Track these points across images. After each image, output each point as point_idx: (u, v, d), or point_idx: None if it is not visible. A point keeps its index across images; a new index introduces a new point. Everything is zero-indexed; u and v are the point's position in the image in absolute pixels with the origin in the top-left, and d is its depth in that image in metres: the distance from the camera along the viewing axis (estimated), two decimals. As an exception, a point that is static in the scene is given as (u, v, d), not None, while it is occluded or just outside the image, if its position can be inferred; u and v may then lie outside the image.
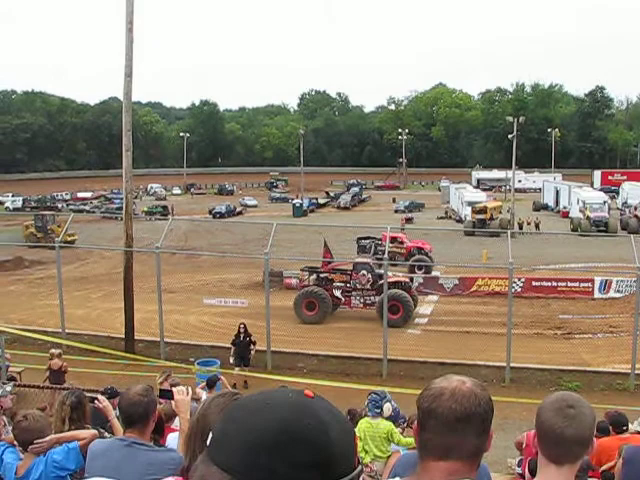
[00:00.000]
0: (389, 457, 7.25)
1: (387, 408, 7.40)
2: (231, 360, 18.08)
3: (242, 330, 18.30)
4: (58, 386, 9.67)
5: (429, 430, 1.93)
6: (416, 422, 2.00)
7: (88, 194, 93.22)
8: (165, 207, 74.24)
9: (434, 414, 1.91)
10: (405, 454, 5.67)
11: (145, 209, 71.33)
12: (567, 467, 2.35)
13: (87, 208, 75.55)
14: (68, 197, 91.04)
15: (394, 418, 7.74)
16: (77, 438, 4.69)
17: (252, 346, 18.40)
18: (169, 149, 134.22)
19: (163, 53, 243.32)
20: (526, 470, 10.46)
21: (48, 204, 77.28)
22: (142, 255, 26.27)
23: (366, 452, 7.48)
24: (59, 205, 78.07)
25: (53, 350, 14.95)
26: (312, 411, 1.26)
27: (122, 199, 23.39)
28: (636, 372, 18.08)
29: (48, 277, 29.91)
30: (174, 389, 4.25)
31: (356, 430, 7.82)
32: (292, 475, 1.18)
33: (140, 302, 21.54)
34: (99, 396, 5.62)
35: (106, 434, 5.42)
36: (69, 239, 32.65)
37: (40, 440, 4.63)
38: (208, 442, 1.28)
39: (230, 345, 18.37)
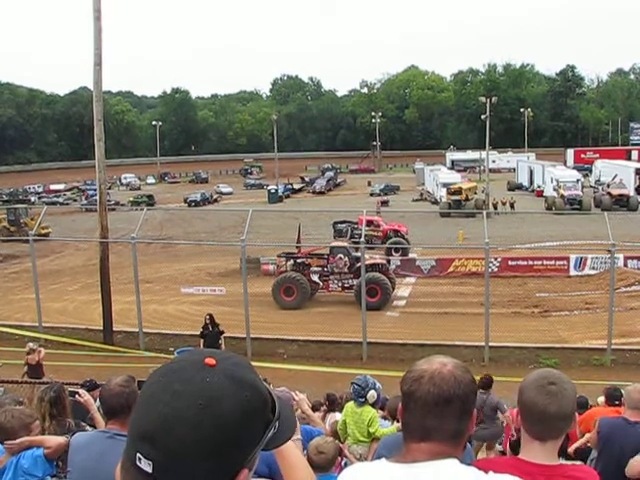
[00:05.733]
0: (373, 440, 7.28)
1: (371, 396, 7.42)
2: None
3: (208, 321, 17.97)
4: (37, 380, 9.59)
5: (410, 412, 1.93)
6: (400, 404, 2.00)
7: (61, 186, 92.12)
8: (151, 196, 73.87)
9: (414, 397, 1.91)
10: (388, 436, 5.70)
11: (131, 199, 71.18)
12: (550, 443, 2.38)
13: (60, 200, 74.82)
14: (40, 190, 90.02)
15: (376, 402, 7.76)
16: (44, 445, 4.58)
17: (221, 336, 18.01)
18: (142, 138, 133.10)
19: (133, 41, 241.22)
20: (507, 447, 10.58)
21: (20, 197, 76.41)
22: (118, 246, 26.11)
23: (349, 435, 7.51)
24: (31, 198, 77.17)
25: (31, 344, 14.85)
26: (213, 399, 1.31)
27: (96, 190, 23.17)
28: (612, 347, 18.32)
29: (23, 271, 29.62)
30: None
31: (342, 414, 7.84)
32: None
33: (117, 293, 21.40)
34: (80, 390, 5.57)
35: (87, 427, 5.38)
36: (43, 232, 32.31)
37: (10, 442, 4.53)
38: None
39: (199, 337, 17.96)
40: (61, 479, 4.44)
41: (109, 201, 58.70)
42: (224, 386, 1.31)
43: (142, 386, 1.38)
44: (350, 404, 7.59)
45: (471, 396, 1.93)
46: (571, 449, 7.04)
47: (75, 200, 77.02)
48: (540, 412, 2.34)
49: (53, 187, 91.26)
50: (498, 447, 11.36)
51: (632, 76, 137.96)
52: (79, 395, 5.38)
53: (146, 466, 1.28)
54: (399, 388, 1.99)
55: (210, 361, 1.35)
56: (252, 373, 1.41)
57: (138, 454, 1.29)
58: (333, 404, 9.05)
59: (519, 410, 2.47)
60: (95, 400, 5.46)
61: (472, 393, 1.93)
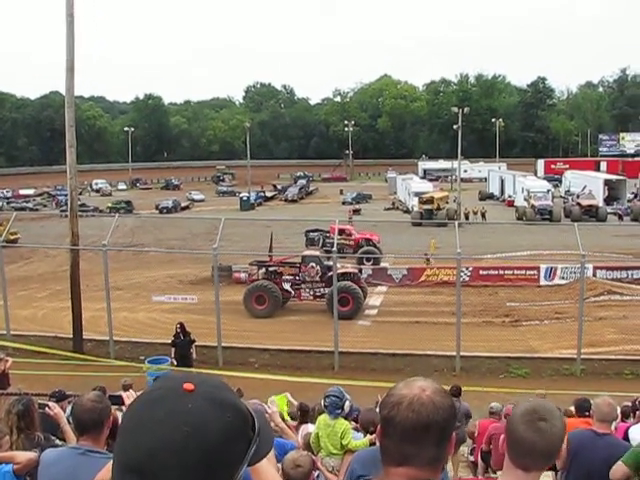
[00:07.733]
0: (345, 453, 7.24)
1: (347, 406, 7.40)
2: (173, 362, 17.47)
3: (179, 330, 17.87)
4: (4, 391, 9.42)
5: (389, 437, 1.90)
6: (379, 427, 1.98)
7: (30, 191, 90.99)
8: (129, 202, 73.22)
9: (392, 422, 1.87)
10: (361, 451, 5.67)
11: (110, 205, 70.34)
12: (534, 473, 2.35)
13: (30, 205, 73.85)
14: (9, 194, 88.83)
15: (348, 414, 7.74)
16: (13, 461, 4.49)
17: (192, 345, 17.93)
18: (113, 144, 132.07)
19: (106, 46, 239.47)
20: (479, 458, 10.63)
21: (-12, 202, 75.39)
22: (88, 252, 25.82)
23: (322, 448, 7.47)
24: (0, 203, 76.19)
25: (-2, 353, 14.58)
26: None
27: (66, 195, 22.93)
28: (582, 357, 18.48)
29: (-10, 277, 29.17)
30: (124, 394, 4.17)
31: (314, 426, 7.78)
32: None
33: (88, 300, 21.15)
34: (50, 403, 5.49)
35: (57, 442, 5.30)
36: (12, 238, 31.86)
37: None
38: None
39: (170, 346, 17.87)
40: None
41: (87, 207, 58.38)
42: (206, 410, 1.30)
43: (122, 417, 1.36)
44: (323, 417, 7.53)
45: (450, 421, 1.89)
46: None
47: (45, 206, 76.11)
48: (528, 448, 2.31)
49: (22, 192, 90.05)
50: (469, 458, 11.40)
51: (601, 89, 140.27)
52: (49, 408, 5.31)
53: None
54: (373, 403, 1.97)
55: (189, 386, 1.34)
56: (230, 393, 1.41)
57: None
58: (305, 415, 8.98)
59: (505, 439, 2.44)
60: (64, 411, 5.38)
61: (451, 418, 1.90)
